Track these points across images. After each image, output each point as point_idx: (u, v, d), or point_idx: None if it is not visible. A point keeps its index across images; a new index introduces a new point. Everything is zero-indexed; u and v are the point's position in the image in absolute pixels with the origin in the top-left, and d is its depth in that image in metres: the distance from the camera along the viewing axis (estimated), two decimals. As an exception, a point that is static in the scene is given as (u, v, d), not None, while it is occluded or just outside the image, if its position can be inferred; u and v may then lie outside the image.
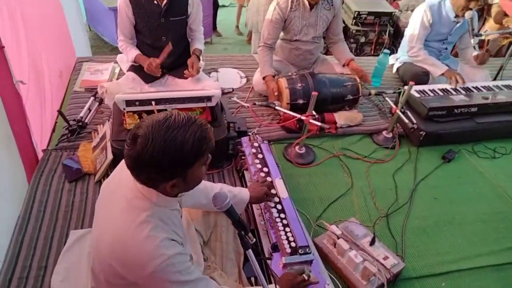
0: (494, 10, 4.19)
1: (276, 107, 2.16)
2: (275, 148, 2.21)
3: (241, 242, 1.10)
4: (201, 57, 2.38)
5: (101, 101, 2.32)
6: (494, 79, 2.90)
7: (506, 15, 4.25)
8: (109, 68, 2.68)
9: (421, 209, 1.95)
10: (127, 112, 1.84)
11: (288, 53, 2.66)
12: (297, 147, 2.16)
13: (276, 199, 1.60)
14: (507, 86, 2.64)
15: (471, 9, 2.57)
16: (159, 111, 1.82)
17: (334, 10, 2.54)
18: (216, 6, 5.00)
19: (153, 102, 1.83)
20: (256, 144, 1.92)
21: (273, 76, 2.40)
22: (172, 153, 0.89)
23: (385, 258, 1.56)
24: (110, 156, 1.79)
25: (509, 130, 2.50)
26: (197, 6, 2.28)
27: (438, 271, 1.65)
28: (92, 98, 2.33)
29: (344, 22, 4.14)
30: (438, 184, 2.13)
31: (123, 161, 1.14)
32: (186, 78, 2.26)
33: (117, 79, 2.55)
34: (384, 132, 2.40)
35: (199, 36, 2.39)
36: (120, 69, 2.67)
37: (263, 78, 2.43)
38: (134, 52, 2.24)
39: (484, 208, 2.00)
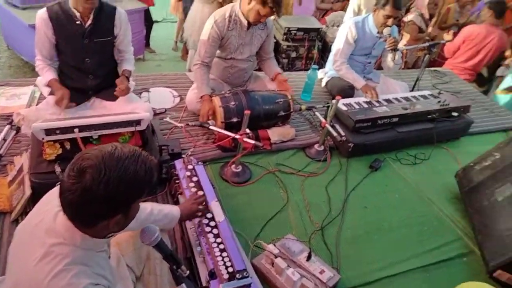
0: (410, 28, 4.60)
1: (211, 127, 2.14)
2: (211, 168, 2.20)
3: (173, 277, 1.07)
4: (131, 78, 2.30)
5: (18, 130, 2.13)
6: (412, 90, 3.15)
7: (420, 32, 4.69)
8: (28, 92, 2.48)
9: (353, 219, 2.05)
10: (47, 141, 1.71)
11: (222, 71, 2.68)
12: (233, 166, 2.16)
13: (210, 216, 1.60)
14: (423, 96, 2.89)
15: (389, 25, 2.78)
16: (83, 138, 1.74)
17: (267, 30, 2.61)
18: (150, 22, 4.90)
19: (76, 130, 1.72)
20: (190, 167, 1.89)
21: (210, 96, 2.39)
22: (126, 183, 0.87)
23: (321, 272, 1.61)
24: (28, 191, 1.65)
25: (426, 137, 2.71)
26: (125, 27, 2.20)
27: (371, 279, 1.73)
28: (7, 126, 2.14)
29: (275, 38, 4.27)
30: (367, 193, 2.25)
31: (40, 201, 1.06)
32: (115, 99, 2.17)
33: (37, 104, 2.37)
34: (316, 146, 2.49)
35: (128, 57, 2.31)
36: (41, 93, 2.49)
37: (201, 97, 2.41)
38: (49, 75, 2.10)
39: (408, 213, 2.15)
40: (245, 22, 2.43)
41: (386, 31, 2.76)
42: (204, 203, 1.66)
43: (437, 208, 2.22)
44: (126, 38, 2.25)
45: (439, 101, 2.80)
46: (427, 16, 4.84)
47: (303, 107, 2.60)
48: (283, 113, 2.46)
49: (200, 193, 1.72)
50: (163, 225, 1.40)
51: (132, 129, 1.85)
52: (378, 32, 2.83)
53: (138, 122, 1.85)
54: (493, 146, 2.29)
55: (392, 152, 2.63)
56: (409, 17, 4.81)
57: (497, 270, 1.73)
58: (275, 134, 2.45)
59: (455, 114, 2.79)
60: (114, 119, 1.81)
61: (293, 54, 4.22)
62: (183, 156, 1.99)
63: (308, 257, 1.65)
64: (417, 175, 2.46)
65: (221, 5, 3.64)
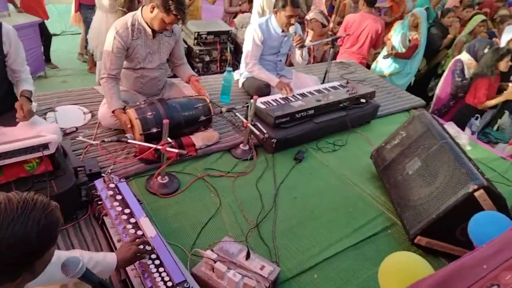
0: (313, 25, 4.89)
1: (129, 141, 2.03)
2: (135, 183, 2.09)
3: (107, 304, 0.99)
4: (32, 98, 2.09)
5: None
6: (322, 82, 3.34)
7: (323, 27, 5.01)
8: None
9: (285, 211, 2.10)
10: None
11: (133, 81, 2.56)
12: (159, 178, 2.08)
13: (152, 254, 1.47)
14: (333, 87, 3.08)
15: (292, 24, 2.92)
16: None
17: (175, 36, 2.55)
18: (47, 36, 4.51)
19: (-31, 163, 1.51)
20: (112, 185, 1.78)
21: (123, 109, 2.27)
22: (13, 254, 0.74)
23: (262, 268, 1.62)
24: None
25: (342, 124, 2.90)
26: (15, 44, 1.99)
27: (309, 265, 1.80)
28: None
29: (186, 43, 4.23)
30: (295, 184, 2.33)
31: None
32: (16, 124, 1.95)
33: None
34: (241, 146, 2.52)
35: (25, 76, 2.09)
36: None
37: (112, 112, 2.28)
38: None
39: (334, 197, 2.28)
40: (149, 31, 2.35)
41: (291, 29, 2.88)
42: (144, 246, 1.47)
43: (359, 188, 2.38)
44: (19, 56, 2.04)
45: (348, 90, 3.01)
46: (326, 12, 5.19)
47: (224, 109, 2.60)
48: (204, 118, 2.44)
49: (139, 233, 1.56)
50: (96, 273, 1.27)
51: (39, 154, 1.68)
52: (282, 31, 2.95)
53: (45, 146, 1.68)
54: (399, 125, 2.53)
55: (313, 142, 2.76)
56: (310, 15, 5.10)
57: (417, 236, 1.91)
58: (199, 139, 2.42)
59: (363, 100, 3.02)
60: (15, 146, 1.62)
61: (207, 58, 4.21)
62: (103, 175, 1.86)
63: (247, 256, 1.65)
64: (337, 161, 2.62)
65: (125, 13, 3.49)
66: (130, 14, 2.37)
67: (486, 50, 3.85)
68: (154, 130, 2.22)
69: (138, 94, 2.60)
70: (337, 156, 2.69)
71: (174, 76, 2.89)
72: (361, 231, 2.05)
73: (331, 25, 5.10)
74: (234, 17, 5.30)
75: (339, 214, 2.16)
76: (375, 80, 3.94)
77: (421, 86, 5.14)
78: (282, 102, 2.74)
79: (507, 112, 4.78)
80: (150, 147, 1.96)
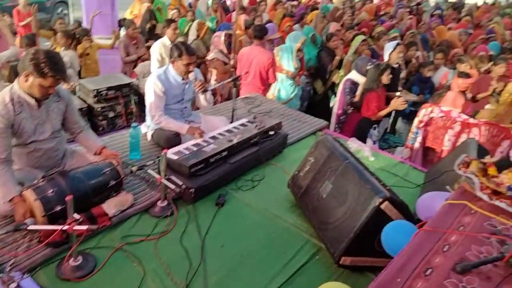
0: (216, 64, 5.04)
1: (29, 227, 1.84)
2: (44, 273, 1.87)
3: None
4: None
5: None
6: (232, 121, 3.42)
7: (225, 64, 5.18)
8: None
9: (214, 262, 2.05)
10: None
11: (27, 157, 2.35)
12: (71, 260, 1.90)
13: None
14: (242, 125, 3.16)
15: (191, 70, 2.97)
16: None
17: (64, 99, 2.41)
18: None
19: None
20: (14, 285, 1.58)
21: (21, 195, 2.06)
22: None
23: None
24: None
25: (256, 159, 2.97)
26: None
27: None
28: None
29: (86, 102, 4.04)
30: (220, 230, 2.30)
31: None
32: None
33: None
34: (158, 203, 2.43)
35: None
36: None
37: (10, 201, 2.05)
38: None
39: (260, 235, 2.29)
40: (32, 101, 2.20)
41: (191, 76, 2.93)
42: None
43: (282, 220, 2.43)
44: None
45: (256, 125, 3.12)
46: (225, 50, 5.38)
47: (134, 168, 2.51)
48: (113, 182, 2.32)
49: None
50: None
51: None
52: (183, 79, 2.98)
53: None
54: (309, 149, 2.67)
55: (232, 182, 2.78)
56: (211, 55, 5.26)
57: (341, 257, 1.99)
58: (111, 206, 2.28)
59: (272, 132, 3.14)
60: None
61: (111, 114, 4.06)
62: (0, 274, 1.65)
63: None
64: (258, 196, 2.66)
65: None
66: (7, 89, 2.18)
67: (368, 67, 4.32)
68: (58, 208, 2.04)
69: (35, 169, 2.39)
70: (257, 192, 2.74)
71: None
72: (291, 264, 2.08)
73: (231, 62, 5.29)
74: (135, 66, 5.24)
75: (268, 251, 2.17)
76: (281, 109, 4.15)
77: (324, 105, 5.54)
78: (195, 149, 2.73)
79: (400, 118, 5.37)
80: (56, 230, 1.80)
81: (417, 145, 4.05)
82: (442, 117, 3.83)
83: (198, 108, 3.65)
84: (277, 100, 4.79)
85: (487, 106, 4.24)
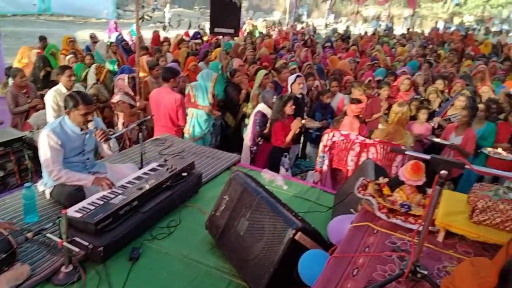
0: (122, 107, 4.85)
1: None
2: None
3: None
4: None
5: None
6: (141, 166, 3.28)
7: (132, 107, 5.02)
8: None
9: (132, 326, 1.89)
10: None
11: None
12: None
13: None
14: (153, 169, 3.05)
15: (90, 120, 2.80)
16: None
17: None
18: None
19: None
20: None
21: None
22: None
23: None
24: None
25: (171, 204, 2.87)
26: None
27: None
28: None
29: (-32, 163, 3.54)
30: (137, 287, 2.14)
31: None
32: None
33: None
34: (62, 269, 2.18)
35: None
36: None
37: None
38: None
39: (182, 283, 2.18)
40: None
41: (90, 126, 2.76)
42: None
43: (203, 265, 2.35)
44: None
45: (168, 168, 3.02)
46: (131, 93, 5.23)
47: (30, 235, 2.24)
48: (4, 255, 2.03)
49: None
50: None
51: None
52: (81, 129, 2.80)
53: None
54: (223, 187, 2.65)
55: (146, 232, 2.62)
56: (116, 98, 5.07)
57: (264, 294, 1.98)
58: (3, 283, 1.98)
59: (185, 174, 3.08)
60: None
61: (1, 173, 3.60)
62: None
63: None
64: (176, 243, 2.55)
65: None
66: None
67: (274, 99, 4.55)
68: None
69: None
70: (174, 238, 2.62)
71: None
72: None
73: (138, 103, 5.14)
74: (27, 117, 4.78)
75: (191, 301, 2.07)
76: (193, 147, 4.11)
77: (237, 138, 5.64)
78: (101, 202, 2.54)
79: (308, 143, 5.70)
80: None
81: (325, 168, 4.31)
82: (342, 140, 4.15)
83: (103, 157, 3.43)
84: (192, 135, 4.76)
85: (380, 126, 4.72)
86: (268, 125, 4.47)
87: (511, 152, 4.62)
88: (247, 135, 4.78)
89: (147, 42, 9.61)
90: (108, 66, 6.04)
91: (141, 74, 5.59)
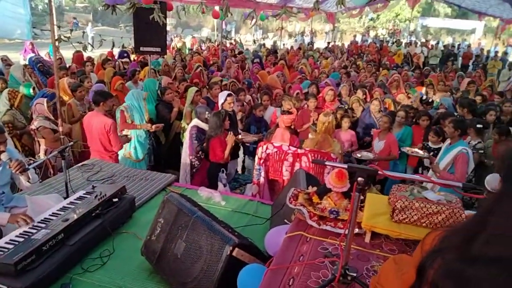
0: (43, 132, 4.53)
1: None
2: None
3: None
4: None
5: None
6: (66, 195, 3.06)
7: (55, 132, 4.70)
8: None
9: None
10: None
11: None
12: None
13: None
14: (80, 198, 2.86)
15: (3, 151, 2.57)
16: None
17: None
18: None
19: None
20: None
21: None
22: None
23: None
24: None
25: (103, 232, 2.70)
26: None
27: None
28: None
29: None
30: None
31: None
32: None
33: None
34: (-23, 320, 1.94)
35: None
36: None
37: None
38: None
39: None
40: None
41: (4, 157, 2.53)
42: None
43: (140, 294, 2.25)
44: None
45: (96, 195, 2.86)
46: (52, 117, 4.90)
47: None
48: None
49: None
50: None
51: None
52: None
53: None
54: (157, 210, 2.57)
55: (76, 266, 2.45)
56: (35, 124, 4.72)
57: (205, 316, 1.94)
58: None
59: (115, 199, 2.93)
60: None
61: None
62: None
63: None
64: (110, 274, 2.40)
65: None
66: None
67: (207, 115, 4.56)
68: None
69: None
70: (108, 269, 2.47)
71: None
72: None
73: (60, 128, 4.82)
74: None
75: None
76: (124, 171, 3.94)
77: (173, 156, 5.53)
78: (20, 239, 2.32)
79: (247, 156, 5.77)
80: None
81: (262, 180, 4.40)
82: (276, 152, 4.27)
83: (21, 190, 3.15)
84: (135, 157, 4.57)
85: (309, 136, 4.94)
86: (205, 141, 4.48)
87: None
88: (185, 151, 4.72)
89: (69, 62, 9.10)
90: (23, 90, 5.59)
91: (64, 97, 5.28)
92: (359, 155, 4.94)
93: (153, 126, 4.84)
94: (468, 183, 1.22)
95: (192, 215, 2.28)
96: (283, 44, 17.17)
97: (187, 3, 9.86)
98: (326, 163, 1.55)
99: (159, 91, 5.69)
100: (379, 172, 1.29)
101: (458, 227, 0.99)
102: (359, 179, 1.30)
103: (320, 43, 22.94)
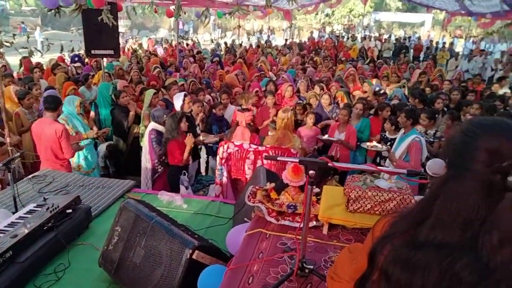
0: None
1: None
2: None
3: None
4: None
5: None
6: (15, 210, 2.88)
7: (2, 144, 4.40)
8: None
9: None
10: None
11: None
12: None
13: None
14: (30, 212, 2.70)
15: None
16: None
17: None
18: None
19: None
20: None
21: None
22: None
23: None
24: None
25: (57, 246, 2.57)
26: None
27: None
28: None
29: None
30: None
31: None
32: None
33: None
34: None
35: None
36: None
37: None
38: None
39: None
40: None
41: None
42: None
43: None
44: None
45: (48, 208, 2.71)
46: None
47: None
48: None
49: None
50: None
51: None
52: None
53: None
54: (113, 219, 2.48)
55: (29, 284, 2.31)
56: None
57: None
58: None
59: (69, 211, 2.80)
60: None
61: None
62: None
63: None
64: (66, 289, 2.29)
65: None
66: None
67: (165, 117, 4.47)
68: None
69: None
70: (64, 283, 2.35)
71: None
72: None
73: (8, 139, 4.53)
74: None
75: None
76: (79, 180, 3.77)
77: (133, 161, 5.36)
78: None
79: (210, 157, 5.71)
80: None
81: (224, 179, 4.36)
82: (237, 150, 4.25)
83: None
84: (86, 168, 4.37)
85: (269, 133, 4.96)
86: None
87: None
88: (145, 156, 4.59)
89: (16, 69, 8.61)
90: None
91: (9, 106, 4.97)
92: (323, 138, 5.03)
93: (99, 133, 4.65)
94: (412, 169, 1.26)
95: (150, 221, 2.22)
96: (241, 43, 17.15)
97: (139, 3, 9.60)
98: (278, 158, 1.55)
99: (113, 95, 5.49)
100: (329, 164, 1.30)
101: (406, 212, 1.01)
102: (311, 172, 1.31)
103: (279, 40, 23.14)
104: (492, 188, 0.84)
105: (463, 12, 14.43)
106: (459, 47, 20.29)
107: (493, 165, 0.84)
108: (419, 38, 22.14)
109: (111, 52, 5.90)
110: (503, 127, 0.88)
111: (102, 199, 3.39)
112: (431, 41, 20.47)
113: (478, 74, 10.19)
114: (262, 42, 18.56)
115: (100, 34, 5.70)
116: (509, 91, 7.92)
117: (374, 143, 5.13)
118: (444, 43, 19.16)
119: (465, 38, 18.76)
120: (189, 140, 4.21)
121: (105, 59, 7.26)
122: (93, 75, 7.15)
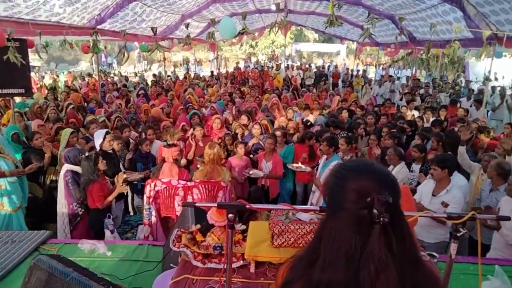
0: None
1: None
2: None
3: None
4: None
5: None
6: None
7: None
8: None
9: None
10: None
11: None
12: None
13: None
14: None
15: None
16: None
17: None
18: None
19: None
20: None
21: None
22: None
23: None
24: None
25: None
26: None
27: None
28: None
29: None
30: None
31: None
32: None
33: None
34: None
35: None
36: None
37: None
38: None
39: None
40: None
41: None
42: None
43: None
44: None
45: None
46: None
47: None
48: None
49: None
50: None
51: None
52: None
53: None
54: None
55: None
56: None
57: None
58: None
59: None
60: None
61: None
62: None
63: None
64: None
65: None
66: None
67: (81, 156, 4.20)
68: None
69: None
70: None
71: None
72: None
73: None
74: None
75: None
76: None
77: (51, 208, 4.91)
78: None
79: (135, 195, 5.45)
80: None
81: (153, 219, 4.18)
82: (165, 188, 4.12)
83: None
84: (9, 207, 3.91)
85: (198, 167, 4.91)
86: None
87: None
88: (60, 201, 4.23)
89: None
90: None
91: None
92: (250, 173, 5.08)
93: (26, 169, 4.27)
94: (322, 206, 1.32)
95: (65, 278, 2.02)
96: (168, 75, 17.03)
97: (51, 38, 9.09)
98: (197, 204, 1.52)
99: (25, 137, 5.05)
100: (246, 206, 1.31)
101: (301, 256, 1.06)
102: (230, 215, 1.31)
103: (206, 71, 23.40)
104: (362, 223, 0.94)
105: (371, 42, 15.95)
106: (371, 73, 22.27)
107: (360, 202, 0.93)
108: (336, 66, 23.91)
109: (22, 90, 5.47)
110: (364, 169, 1.00)
111: (10, 256, 3.03)
112: (347, 68, 22.23)
113: (388, 99, 11.22)
114: (191, 73, 18.63)
115: (9, 72, 5.27)
116: (417, 112, 8.82)
117: (300, 164, 5.35)
118: (358, 70, 20.93)
119: (376, 66, 20.69)
120: (117, 184, 3.98)
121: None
122: (2, 116, 6.54)
